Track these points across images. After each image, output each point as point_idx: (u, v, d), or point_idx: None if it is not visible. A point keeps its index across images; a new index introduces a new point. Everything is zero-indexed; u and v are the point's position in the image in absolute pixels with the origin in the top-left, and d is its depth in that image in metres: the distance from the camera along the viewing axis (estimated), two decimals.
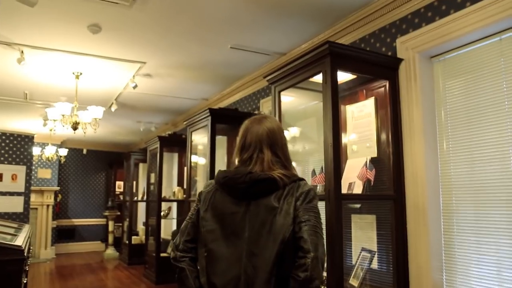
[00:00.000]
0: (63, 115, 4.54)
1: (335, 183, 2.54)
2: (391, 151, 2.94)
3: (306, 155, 4.07)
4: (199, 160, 5.72)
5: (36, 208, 9.52)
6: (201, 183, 5.73)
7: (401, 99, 2.98)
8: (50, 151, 8.25)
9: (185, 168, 6.01)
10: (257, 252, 1.51)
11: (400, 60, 2.99)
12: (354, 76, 3.14)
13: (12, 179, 6.56)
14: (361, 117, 3.24)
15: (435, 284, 2.67)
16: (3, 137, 6.57)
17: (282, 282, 1.49)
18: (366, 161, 2.90)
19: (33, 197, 9.33)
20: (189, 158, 5.13)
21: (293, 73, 3.08)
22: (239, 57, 4.35)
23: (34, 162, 9.53)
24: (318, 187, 3.14)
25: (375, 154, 3.05)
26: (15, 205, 6.55)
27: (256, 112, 4.84)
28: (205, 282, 1.59)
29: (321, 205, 3.31)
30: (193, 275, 1.64)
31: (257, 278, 1.48)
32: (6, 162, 6.55)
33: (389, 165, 2.95)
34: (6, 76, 5.09)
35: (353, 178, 3.00)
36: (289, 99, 3.87)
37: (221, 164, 5.61)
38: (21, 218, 6.62)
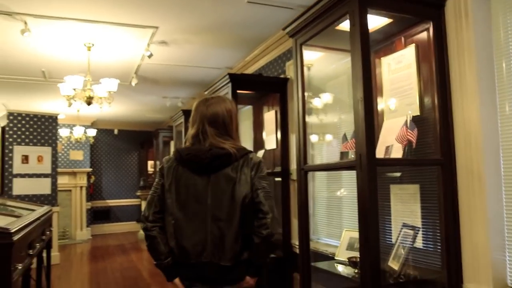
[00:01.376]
0: (74, 89, 4.25)
1: (368, 146, 2.08)
2: (438, 108, 2.42)
3: (338, 121, 3.60)
4: None
5: (70, 190, 9.53)
6: None
7: (448, 45, 2.43)
8: (78, 132, 8.12)
9: None
10: (221, 216, 1.81)
11: None
12: (389, 21, 2.63)
13: (38, 160, 6.44)
14: (400, 70, 2.72)
15: (495, 265, 2.17)
16: (27, 119, 6.44)
17: (245, 239, 1.82)
18: (407, 120, 2.41)
19: (66, 179, 9.34)
20: None
21: (315, 20, 2.60)
22: (258, 14, 3.88)
23: (65, 144, 9.52)
24: (349, 154, 2.69)
25: (417, 112, 2.55)
26: (43, 187, 6.44)
27: (282, 76, 4.38)
28: (175, 245, 1.86)
29: (351, 174, 2.88)
30: (163, 242, 1.87)
31: (226, 237, 1.78)
32: (31, 144, 6.43)
33: (435, 125, 2.44)
34: (19, 53, 4.86)
35: (391, 141, 2.53)
36: (316, 55, 3.40)
37: (247, 138, 5.22)
38: (49, 200, 6.51)
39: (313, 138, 3.67)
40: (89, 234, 9.79)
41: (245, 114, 5.32)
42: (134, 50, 4.81)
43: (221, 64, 5.48)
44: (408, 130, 2.34)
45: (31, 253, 2.93)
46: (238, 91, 4.09)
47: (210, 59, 5.30)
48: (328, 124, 3.68)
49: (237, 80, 4.08)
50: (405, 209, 2.64)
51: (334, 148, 3.63)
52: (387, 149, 2.46)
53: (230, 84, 4.03)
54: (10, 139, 6.27)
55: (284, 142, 4.22)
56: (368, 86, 2.16)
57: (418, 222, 2.49)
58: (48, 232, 4.10)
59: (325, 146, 3.76)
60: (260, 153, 4.44)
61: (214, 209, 1.80)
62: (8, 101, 7.67)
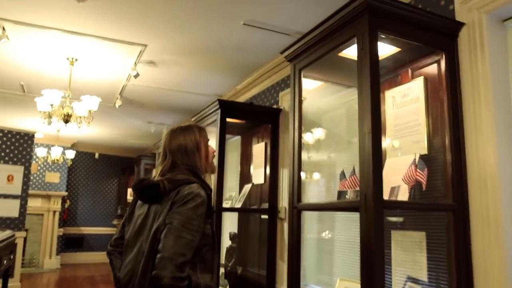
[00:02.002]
0: (51, 105, 3.93)
1: (375, 185, 1.80)
2: (449, 147, 2.16)
3: (329, 158, 3.34)
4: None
5: (42, 214, 9.02)
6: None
7: (462, 78, 2.21)
8: (56, 153, 7.72)
9: None
10: (144, 249, 1.72)
11: (461, 24, 2.23)
12: (396, 50, 2.41)
13: (8, 180, 6.01)
14: (406, 104, 2.48)
15: None
16: (0, 134, 6.05)
17: None
18: (415, 158, 2.15)
19: (39, 202, 8.86)
20: None
21: (317, 43, 2.37)
22: (253, 38, 3.67)
23: (41, 165, 9.07)
24: (348, 193, 2.41)
25: (425, 151, 2.29)
26: (10, 209, 5.99)
27: (274, 106, 4.13)
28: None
29: (346, 215, 2.58)
30: (118, 267, 1.86)
31: (138, 273, 1.70)
32: (1, 162, 6.02)
33: (445, 165, 2.18)
34: None
35: (396, 181, 2.25)
36: (311, 86, 3.17)
37: (233, 170, 4.92)
38: (16, 224, 6.04)
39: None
40: (58, 263, 9.19)
41: (233, 145, 5.04)
42: (120, 69, 4.55)
43: (211, 91, 5.23)
44: (418, 170, 2.07)
45: None
46: (227, 119, 3.82)
47: (200, 85, 5.05)
48: (319, 161, 3.43)
49: (227, 107, 3.82)
50: (408, 259, 2.33)
51: (322, 187, 3.38)
52: (393, 190, 2.18)
53: (219, 111, 3.76)
54: None
55: (273, 177, 3.93)
56: (377, 117, 1.90)
57: (423, 275, 2.18)
58: (5, 261, 3.68)
59: (313, 185, 3.48)
60: (247, 188, 4.13)
61: (142, 242, 1.75)
62: None
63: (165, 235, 1.62)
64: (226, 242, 4.23)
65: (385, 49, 2.38)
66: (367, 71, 1.93)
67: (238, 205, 4.02)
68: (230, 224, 4.83)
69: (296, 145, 2.49)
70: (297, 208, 2.41)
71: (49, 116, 3.98)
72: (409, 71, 2.52)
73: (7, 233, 3.97)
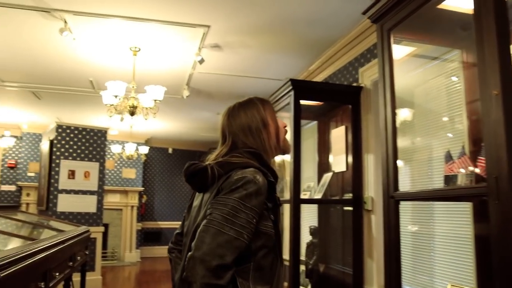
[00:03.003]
0: (116, 97, 3.77)
1: (511, 164, 1.32)
2: None
3: (426, 138, 2.83)
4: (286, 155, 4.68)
5: (121, 209, 9.21)
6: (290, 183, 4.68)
7: None
8: (130, 149, 7.77)
9: None
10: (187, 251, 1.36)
11: None
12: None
13: (85, 176, 6.07)
14: None
15: None
16: (75, 132, 6.12)
17: None
18: None
19: (118, 198, 9.06)
20: None
21: None
22: (327, 6, 3.22)
23: (118, 161, 9.26)
24: (458, 178, 1.92)
25: None
26: (88, 204, 6.04)
27: (354, 84, 3.66)
28: None
29: (459, 206, 2.08)
30: (177, 267, 1.51)
31: (177, 278, 1.45)
32: (78, 159, 6.08)
33: None
34: (64, 59, 4.51)
35: None
36: (400, 53, 2.67)
37: (309, 159, 4.51)
38: (94, 219, 6.10)
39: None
40: (138, 257, 9.36)
41: (308, 131, 4.62)
42: (185, 55, 4.29)
43: (282, 74, 4.84)
44: None
45: (42, 286, 2.37)
46: (301, 102, 3.41)
47: (269, 68, 4.68)
48: (409, 144, 2.93)
49: (301, 87, 3.41)
50: None
51: (414, 173, 2.88)
52: None
53: (292, 93, 3.37)
54: (58, 153, 5.96)
55: (356, 164, 3.47)
56: (508, 74, 1.41)
57: None
58: (79, 257, 3.58)
59: (402, 171, 2.98)
60: (327, 177, 3.70)
61: (190, 240, 1.37)
62: (62, 115, 7.50)
63: (201, 230, 1.24)
64: (306, 237, 3.85)
65: None
66: (490, 11, 1.44)
67: (318, 196, 3.61)
68: (309, 217, 4.44)
69: (389, 123, 2.03)
70: (394, 198, 1.96)
71: (115, 109, 3.82)
72: None
73: (81, 229, 3.89)
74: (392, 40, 2.07)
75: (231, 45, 4.01)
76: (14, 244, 2.52)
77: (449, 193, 1.93)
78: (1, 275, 1.69)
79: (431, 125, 2.82)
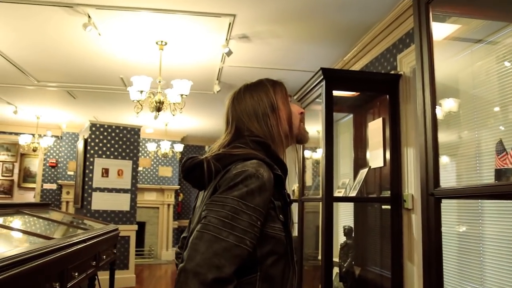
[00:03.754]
0: (141, 92, 3.66)
1: None
2: None
3: (476, 127, 2.53)
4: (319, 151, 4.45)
5: (158, 208, 9.23)
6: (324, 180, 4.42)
7: None
8: (165, 147, 7.75)
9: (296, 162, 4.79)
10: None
11: None
12: None
13: (118, 174, 6.06)
14: None
15: None
16: (109, 130, 6.13)
17: None
18: None
19: (154, 196, 9.09)
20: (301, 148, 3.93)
21: None
22: None
23: (154, 160, 9.28)
24: None
25: None
26: (121, 203, 6.03)
27: (392, 72, 3.37)
28: None
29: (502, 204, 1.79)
30: None
31: None
32: (112, 157, 6.08)
33: None
34: (94, 57, 4.47)
35: None
36: (440, 33, 2.39)
37: (346, 155, 4.26)
38: (128, 217, 6.08)
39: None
40: (174, 255, 9.36)
41: (344, 125, 4.37)
42: (212, 48, 4.14)
43: (315, 65, 4.57)
44: None
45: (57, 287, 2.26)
46: (334, 93, 3.18)
47: (301, 59, 4.45)
48: (453, 138, 2.64)
49: (333, 77, 3.17)
50: None
51: (459, 168, 2.59)
52: None
53: (323, 83, 3.13)
54: (92, 151, 5.99)
55: (394, 159, 3.19)
56: None
57: None
58: (104, 256, 3.50)
59: (445, 166, 2.68)
60: (363, 173, 3.44)
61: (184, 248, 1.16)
62: (98, 114, 7.56)
63: (194, 237, 1.02)
64: (340, 238, 3.60)
65: None
66: None
67: (353, 193, 3.36)
68: (344, 216, 4.18)
69: (429, 110, 1.77)
70: (434, 196, 1.70)
71: (141, 105, 3.72)
72: None
73: (109, 227, 3.81)
74: (431, 14, 1.81)
75: (259, 35, 3.81)
76: (30, 242, 2.43)
77: (500, 189, 1.64)
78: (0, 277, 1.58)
79: (479, 115, 2.52)
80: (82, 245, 2.75)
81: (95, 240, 3.11)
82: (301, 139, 1.35)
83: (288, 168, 1.27)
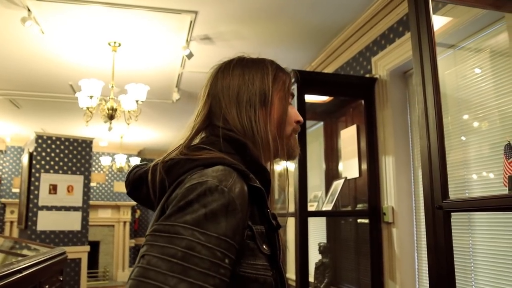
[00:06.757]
0: (91, 97, 3.26)
1: None
2: None
3: (465, 130, 2.32)
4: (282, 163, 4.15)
5: (113, 225, 8.66)
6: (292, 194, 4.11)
7: None
8: (120, 161, 7.26)
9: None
10: None
11: None
12: None
13: (68, 191, 5.53)
14: None
15: None
16: (57, 143, 5.59)
17: None
18: None
19: (109, 213, 8.53)
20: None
21: None
22: None
23: (109, 175, 8.73)
24: None
25: None
26: (72, 222, 5.49)
27: (367, 75, 3.15)
28: None
29: None
30: None
31: None
32: (60, 171, 5.54)
33: None
34: (38, 61, 4.01)
35: None
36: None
37: (315, 166, 4.00)
38: (79, 237, 5.54)
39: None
40: None
41: (312, 135, 4.11)
42: (172, 50, 3.79)
43: None
44: None
45: None
46: (306, 97, 2.91)
47: None
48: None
49: (305, 79, 2.91)
50: None
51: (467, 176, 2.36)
52: None
53: (295, 86, 2.86)
54: (38, 166, 5.42)
55: (372, 169, 2.95)
56: None
57: None
58: (47, 286, 3.04)
59: None
60: (338, 184, 3.17)
61: None
62: (46, 126, 6.99)
63: (130, 286, 0.66)
64: (314, 257, 3.31)
65: None
66: None
67: (328, 207, 3.08)
68: (315, 232, 3.90)
69: (432, 110, 1.50)
70: (442, 209, 1.43)
71: (90, 112, 3.31)
72: None
73: (54, 251, 3.36)
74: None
75: (223, 36, 3.50)
76: None
77: None
78: None
79: (469, 117, 2.32)
80: (15, 277, 2.31)
81: (34, 269, 2.66)
82: (289, 153, 0.99)
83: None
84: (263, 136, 0.90)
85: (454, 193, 2.31)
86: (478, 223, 2.23)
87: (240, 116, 0.90)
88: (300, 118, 1.02)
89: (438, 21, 2.23)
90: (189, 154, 0.82)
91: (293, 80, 1.06)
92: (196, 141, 0.91)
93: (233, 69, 0.97)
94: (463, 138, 2.33)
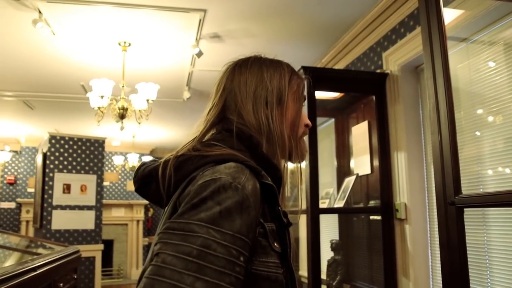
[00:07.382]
0: (101, 97, 3.28)
1: None
2: None
3: (479, 125, 2.29)
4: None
5: (126, 224, 8.72)
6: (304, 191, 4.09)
7: None
8: (132, 160, 7.31)
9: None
10: None
11: None
12: None
13: (81, 190, 5.59)
14: None
15: None
16: (70, 143, 5.65)
17: None
18: None
19: (123, 212, 8.60)
20: None
21: None
22: None
23: (122, 174, 8.80)
24: None
25: None
26: (85, 221, 5.55)
27: (378, 71, 3.12)
28: None
29: None
30: None
31: None
32: (74, 171, 5.60)
33: None
34: (50, 62, 4.05)
35: None
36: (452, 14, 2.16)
37: (326, 163, 3.97)
38: (93, 236, 5.60)
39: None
40: None
41: (324, 132, 4.09)
42: (181, 49, 3.79)
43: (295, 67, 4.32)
44: None
45: None
46: (316, 94, 2.90)
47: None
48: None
49: (316, 76, 2.89)
50: None
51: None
52: None
53: (305, 82, 2.84)
54: (51, 166, 5.49)
55: (384, 165, 2.92)
56: None
57: None
58: (61, 284, 3.07)
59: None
60: (350, 181, 3.15)
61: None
62: (60, 126, 7.07)
63: (144, 285, 0.65)
64: (326, 254, 3.30)
65: None
66: None
67: (340, 204, 3.07)
68: (327, 229, 3.88)
69: (443, 104, 1.48)
70: (455, 205, 1.41)
71: (102, 111, 3.33)
72: None
73: (68, 249, 3.39)
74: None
75: (232, 35, 3.50)
76: None
77: None
78: None
79: (483, 111, 2.28)
80: (30, 275, 2.33)
81: (49, 267, 2.69)
82: (300, 154, 1.00)
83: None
84: (279, 134, 0.91)
85: (468, 189, 2.28)
86: (493, 219, 2.19)
87: (256, 112, 0.90)
88: (309, 122, 1.03)
89: (450, 14, 2.20)
90: (202, 150, 0.82)
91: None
92: (208, 136, 0.92)
93: (251, 65, 0.97)
94: (477, 133, 2.30)
